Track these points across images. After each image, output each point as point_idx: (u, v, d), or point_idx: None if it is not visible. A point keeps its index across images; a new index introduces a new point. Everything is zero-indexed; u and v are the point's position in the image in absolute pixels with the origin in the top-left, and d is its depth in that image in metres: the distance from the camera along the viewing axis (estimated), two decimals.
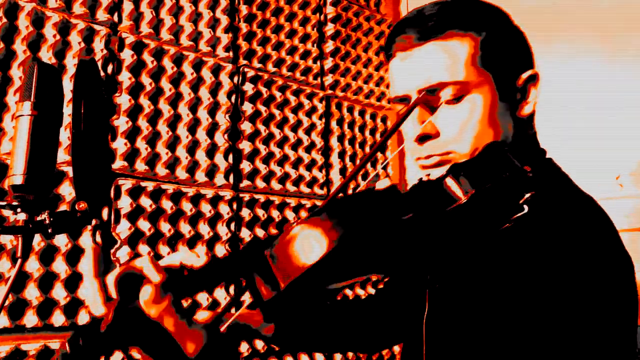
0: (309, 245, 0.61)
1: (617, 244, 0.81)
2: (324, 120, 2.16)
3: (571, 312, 0.74)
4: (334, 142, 2.20)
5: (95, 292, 0.71)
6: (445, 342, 0.86)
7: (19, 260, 0.68)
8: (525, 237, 0.76)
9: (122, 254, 1.56)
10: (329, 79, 2.20)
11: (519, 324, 0.75)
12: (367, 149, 2.35)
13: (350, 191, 2.02)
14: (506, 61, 0.89)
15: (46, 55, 1.49)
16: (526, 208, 0.69)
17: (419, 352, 0.90)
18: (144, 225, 1.61)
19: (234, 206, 1.83)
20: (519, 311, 0.76)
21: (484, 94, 0.87)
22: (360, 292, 2.17)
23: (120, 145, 1.59)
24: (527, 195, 0.69)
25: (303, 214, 2.04)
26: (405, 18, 0.91)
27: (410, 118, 0.88)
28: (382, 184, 0.73)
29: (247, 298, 0.69)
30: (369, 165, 2.35)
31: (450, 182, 0.69)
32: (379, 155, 2.39)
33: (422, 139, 0.88)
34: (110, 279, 0.71)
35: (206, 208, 1.76)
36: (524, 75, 0.91)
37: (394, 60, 0.92)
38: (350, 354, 2.10)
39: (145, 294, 0.67)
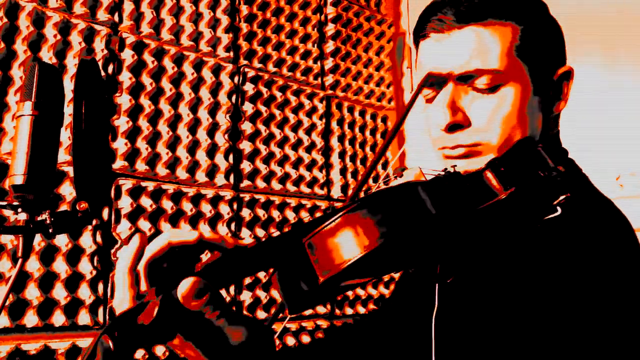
0: (352, 241, 0.58)
1: (637, 247, 0.80)
2: (324, 120, 2.16)
3: (592, 314, 0.72)
4: (334, 142, 2.20)
5: (126, 289, 0.67)
6: (456, 338, 0.84)
7: (20, 260, 0.68)
8: (553, 239, 0.75)
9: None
10: (329, 79, 2.20)
11: (537, 326, 0.74)
12: (368, 149, 2.35)
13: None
14: (544, 54, 0.86)
15: (47, 55, 1.49)
16: (559, 210, 0.68)
17: (427, 349, 0.88)
18: (144, 225, 1.61)
19: (235, 206, 1.83)
20: (538, 313, 0.74)
21: (518, 87, 0.84)
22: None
23: (120, 145, 1.59)
24: (562, 197, 0.68)
25: (303, 214, 2.04)
26: None
27: (441, 105, 0.85)
28: (411, 172, 0.71)
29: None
30: (368, 165, 2.34)
31: (490, 176, 0.67)
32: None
33: (452, 127, 0.84)
34: (141, 266, 0.68)
35: (206, 208, 1.76)
36: (560, 71, 0.88)
37: (427, 41, 0.88)
38: None
39: (184, 288, 0.62)
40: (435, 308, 0.89)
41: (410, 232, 0.60)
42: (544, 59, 0.87)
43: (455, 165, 0.77)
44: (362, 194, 0.71)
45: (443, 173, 0.71)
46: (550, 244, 0.76)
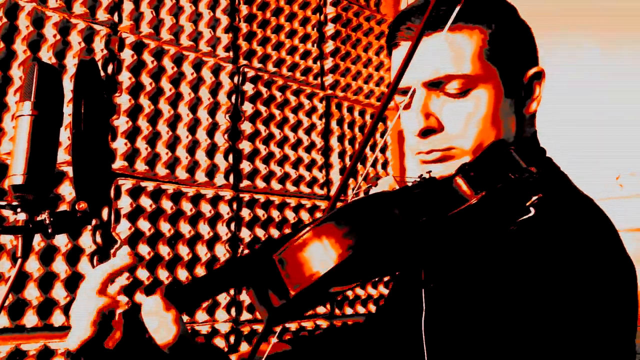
0: (322, 253, 0.58)
1: (618, 247, 0.80)
2: (324, 120, 2.16)
3: (570, 314, 0.73)
4: (334, 142, 2.20)
5: (88, 324, 0.67)
6: (445, 340, 0.85)
7: (19, 260, 0.68)
8: (528, 240, 0.75)
9: (122, 254, 1.55)
10: (329, 79, 2.20)
11: (519, 326, 0.75)
12: (368, 149, 2.35)
13: (350, 190, 2.02)
14: (513, 57, 0.87)
15: (46, 55, 1.49)
16: (533, 211, 0.68)
17: (420, 352, 0.89)
18: (144, 225, 1.61)
19: (234, 206, 1.83)
20: (519, 313, 0.75)
21: (489, 89, 0.84)
22: (359, 291, 2.17)
23: (120, 145, 1.59)
24: (535, 198, 0.68)
25: (303, 214, 2.04)
26: (411, 7, 0.87)
27: (414, 112, 0.85)
28: (385, 181, 0.72)
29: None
30: (368, 165, 2.34)
31: (460, 182, 0.68)
32: (379, 155, 2.39)
33: (425, 133, 0.85)
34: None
35: (206, 208, 1.76)
36: (530, 72, 0.89)
37: (398, 50, 0.89)
38: None
39: (149, 305, 0.63)
40: (424, 312, 0.90)
41: (378, 242, 0.60)
42: (513, 61, 0.87)
43: (431, 171, 0.78)
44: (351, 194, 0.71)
45: (418, 179, 0.72)
46: (525, 245, 0.76)
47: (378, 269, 0.66)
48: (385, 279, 2.25)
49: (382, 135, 2.40)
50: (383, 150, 2.40)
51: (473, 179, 0.68)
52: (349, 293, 2.11)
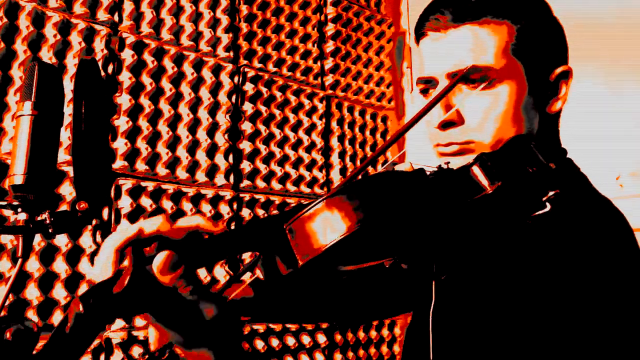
0: (330, 225, 0.59)
1: (634, 246, 0.80)
2: (324, 120, 2.16)
3: (580, 311, 0.72)
4: (334, 142, 2.20)
5: (109, 264, 0.67)
6: (452, 334, 0.85)
7: (19, 260, 0.68)
8: (543, 235, 0.75)
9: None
10: (329, 79, 2.20)
11: (528, 322, 0.74)
12: (368, 149, 2.35)
13: None
14: (541, 54, 0.87)
15: (47, 55, 1.49)
16: (548, 206, 0.68)
17: (425, 344, 0.88)
18: None
19: (234, 206, 1.83)
20: (529, 309, 0.74)
21: (513, 85, 0.84)
22: None
23: (120, 145, 1.59)
24: (551, 193, 0.68)
25: None
26: None
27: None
28: (402, 167, 0.71)
29: (247, 276, 0.67)
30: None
31: (477, 171, 0.68)
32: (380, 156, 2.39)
33: (445, 125, 0.85)
34: (115, 246, 0.67)
35: (206, 208, 1.76)
36: (558, 70, 0.88)
37: (425, 40, 0.89)
38: (350, 354, 2.10)
39: (159, 261, 0.63)
40: (432, 304, 0.89)
41: (388, 219, 0.60)
42: (540, 58, 0.87)
43: (449, 162, 0.77)
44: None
45: (436, 169, 0.71)
46: (539, 240, 0.76)
47: (387, 249, 0.66)
48: None
49: (382, 136, 2.40)
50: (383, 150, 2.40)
51: (490, 168, 0.67)
52: None
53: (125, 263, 0.67)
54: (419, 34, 0.90)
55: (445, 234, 0.68)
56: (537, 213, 0.68)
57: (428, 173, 0.70)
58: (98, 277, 0.67)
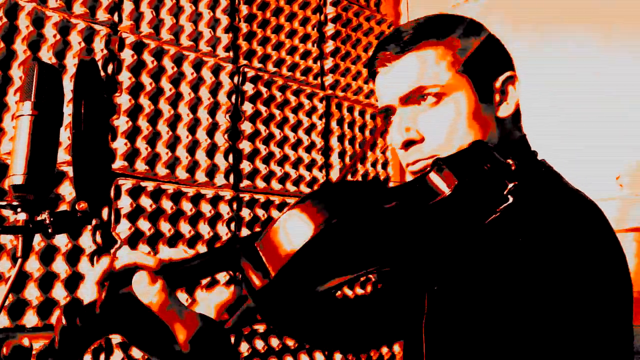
0: (295, 229, 0.61)
1: (607, 235, 0.82)
2: (324, 120, 2.16)
3: (563, 305, 0.74)
4: (334, 142, 2.20)
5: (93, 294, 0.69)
6: (445, 343, 0.86)
7: (19, 260, 0.68)
8: (511, 228, 0.77)
9: (122, 253, 1.55)
10: (329, 79, 2.20)
11: (514, 323, 0.75)
12: (368, 149, 2.35)
13: None
14: (483, 65, 0.93)
15: (46, 55, 1.49)
16: (511, 198, 0.70)
17: (419, 354, 0.90)
18: (144, 225, 1.61)
19: (234, 206, 1.83)
20: (511, 309, 0.76)
21: (462, 96, 0.90)
22: (360, 291, 2.17)
23: (120, 145, 1.59)
24: (510, 186, 0.70)
25: None
26: (385, 37, 0.97)
27: (395, 127, 0.93)
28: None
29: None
30: (368, 165, 2.34)
31: (433, 176, 0.70)
32: (379, 155, 2.39)
33: (407, 144, 0.92)
34: (94, 281, 0.69)
35: (206, 208, 1.76)
36: (502, 77, 0.94)
37: (378, 76, 0.97)
38: (350, 355, 2.10)
39: (138, 277, 0.64)
40: (425, 315, 0.91)
41: (350, 217, 0.62)
42: (484, 69, 0.93)
43: None
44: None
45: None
46: (508, 234, 0.78)
47: (361, 258, 0.67)
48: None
49: (381, 136, 2.40)
50: (383, 150, 2.40)
51: (446, 171, 0.70)
52: (349, 292, 2.11)
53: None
54: (371, 73, 0.99)
55: (412, 237, 0.69)
56: (501, 207, 0.70)
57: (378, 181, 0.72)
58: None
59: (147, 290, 0.63)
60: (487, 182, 0.70)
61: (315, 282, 0.65)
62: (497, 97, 0.94)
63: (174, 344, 0.65)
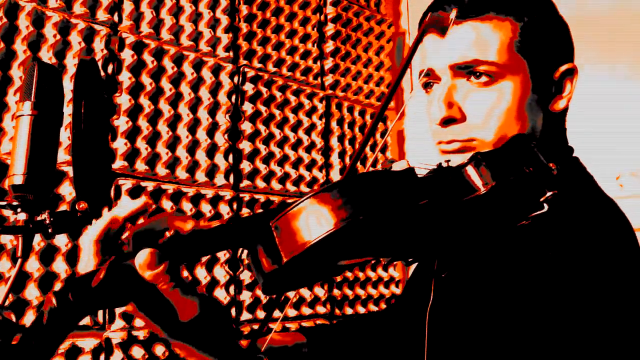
0: (316, 221, 0.58)
1: (635, 250, 0.78)
2: (324, 120, 2.16)
3: (577, 313, 0.72)
4: (334, 142, 2.20)
5: (90, 257, 0.68)
6: (448, 332, 0.84)
7: (19, 260, 0.67)
8: (540, 236, 0.74)
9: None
10: (329, 79, 2.20)
11: (523, 324, 0.74)
12: (368, 149, 2.35)
13: None
14: (545, 51, 0.86)
15: (46, 55, 1.49)
16: (546, 207, 0.67)
17: (421, 341, 0.88)
18: None
19: (234, 206, 1.83)
20: (524, 310, 0.74)
21: (516, 82, 0.84)
22: (361, 292, 2.17)
23: (120, 145, 1.59)
24: (549, 194, 0.67)
25: None
26: None
27: (436, 99, 0.85)
28: (399, 165, 0.71)
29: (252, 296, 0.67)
30: (369, 165, 2.34)
31: (471, 170, 0.67)
32: (379, 155, 2.39)
33: (447, 121, 0.84)
34: (91, 240, 0.68)
35: (206, 208, 1.76)
36: (562, 68, 0.88)
37: (428, 37, 0.89)
38: None
39: (141, 257, 0.62)
40: (430, 302, 0.89)
41: (373, 217, 0.59)
42: (545, 55, 0.86)
43: (449, 161, 0.77)
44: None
45: (435, 167, 0.71)
46: (536, 240, 0.75)
47: (378, 247, 0.65)
48: (385, 278, 2.25)
49: (382, 136, 2.40)
50: (383, 150, 2.40)
51: (484, 168, 0.66)
52: (349, 292, 2.11)
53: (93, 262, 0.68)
54: (423, 30, 0.88)
55: (437, 232, 0.67)
56: (534, 214, 0.68)
57: (425, 172, 0.69)
58: (84, 270, 0.68)
59: (152, 271, 0.62)
60: (525, 186, 0.67)
61: (322, 270, 0.64)
62: (553, 89, 0.88)
63: (176, 317, 0.65)
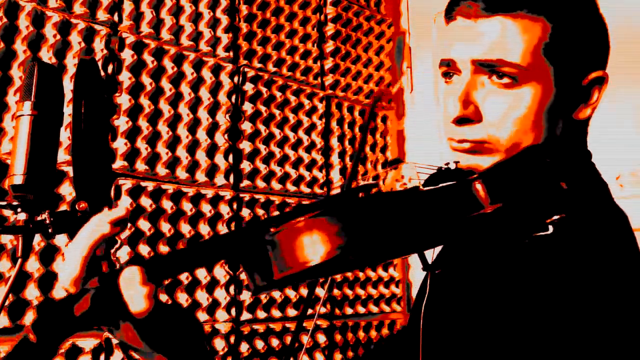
0: (313, 246, 0.58)
1: (637, 272, 0.75)
2: (324, 120, 2.16)
3: (573, 336, 0.70)
4: (334, 142, 2.20)
5: (77, 269, 0.65)
6: (441, 328, 0.84)
7: (19, 260, 0.68)
8: (541, 257, 0.73)
9: (122, 254, 1.56)
10: (329, 79, 2.20)
11: (515, 327, 0.73)
12: (368, 149, 2.35)
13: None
14: (576, 56, 0.81)
15: (46, 55, 1.49)
16: (551, 229, 0.65)
17: (416, 335, 0.88)
18: (144, 225, 1.61)
19: (234, 206, 1.83)
20: (518, 314, 0.73)
21: (538, 88, 0.79)
22: (360, 291, 2.17)
23: (120, 145, 1.59)
24: (556, 217, 0.65)
25: None
26: None
27: (454, 95, 0.81)
28: (408, 170, 0.69)
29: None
30: (369, 165, 2.34)
31: (479, 187, 0.65)
32: (379, 155, 2.39)
33: (461, 121, 0.80)
34: (82, 255, 0.66)
35: (206, 208, 1.76)
36: (592, 75, 0.82)
37: (453, 24, 0.84)
38: (350, 354, 2.10)
39: (129, 274, 0.60)
40: (426, 297, 0.88)
41: (369, 245, 0.59)
42: (575, 61, 0.81)
43: (458, 162, 0.75)
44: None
45: (444, 167, 0.70)
46: (536, 260, 0.73)
47: (372, 260, 0.66)
48: (385, 278, 2.25)
49: (382, 135, 2.40)
50: (383, 150, 2.40)
51: (493, 187, 0.65)
52: (349, 292, 2.11)
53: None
54: (448, 17, 0.85)
55: (435, 241, 0.66)
56: (538, 234, 0.66)
57: (427, 176, 0.68)
58: (64, 282, 0.66)
59: (135, 292, 0.60)
60: (532, 209, 0.66)
61: (314, 278, 0.64)
62: (578, 97, 0.83)
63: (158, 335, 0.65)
